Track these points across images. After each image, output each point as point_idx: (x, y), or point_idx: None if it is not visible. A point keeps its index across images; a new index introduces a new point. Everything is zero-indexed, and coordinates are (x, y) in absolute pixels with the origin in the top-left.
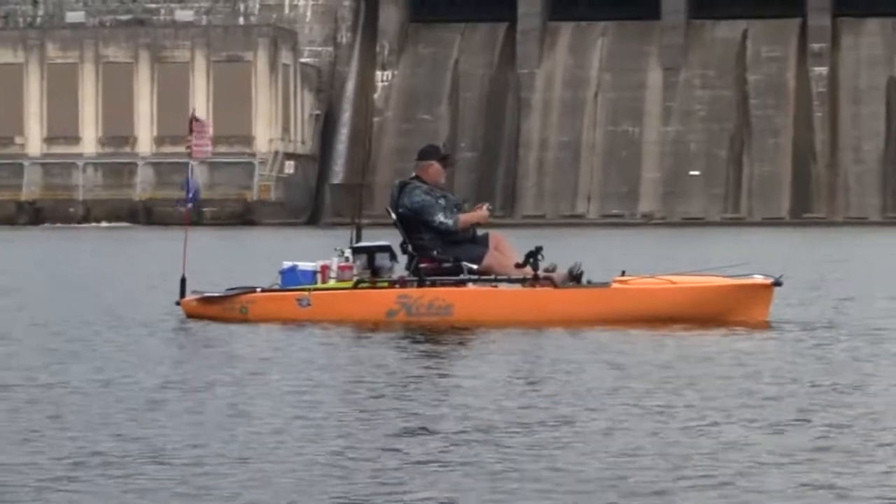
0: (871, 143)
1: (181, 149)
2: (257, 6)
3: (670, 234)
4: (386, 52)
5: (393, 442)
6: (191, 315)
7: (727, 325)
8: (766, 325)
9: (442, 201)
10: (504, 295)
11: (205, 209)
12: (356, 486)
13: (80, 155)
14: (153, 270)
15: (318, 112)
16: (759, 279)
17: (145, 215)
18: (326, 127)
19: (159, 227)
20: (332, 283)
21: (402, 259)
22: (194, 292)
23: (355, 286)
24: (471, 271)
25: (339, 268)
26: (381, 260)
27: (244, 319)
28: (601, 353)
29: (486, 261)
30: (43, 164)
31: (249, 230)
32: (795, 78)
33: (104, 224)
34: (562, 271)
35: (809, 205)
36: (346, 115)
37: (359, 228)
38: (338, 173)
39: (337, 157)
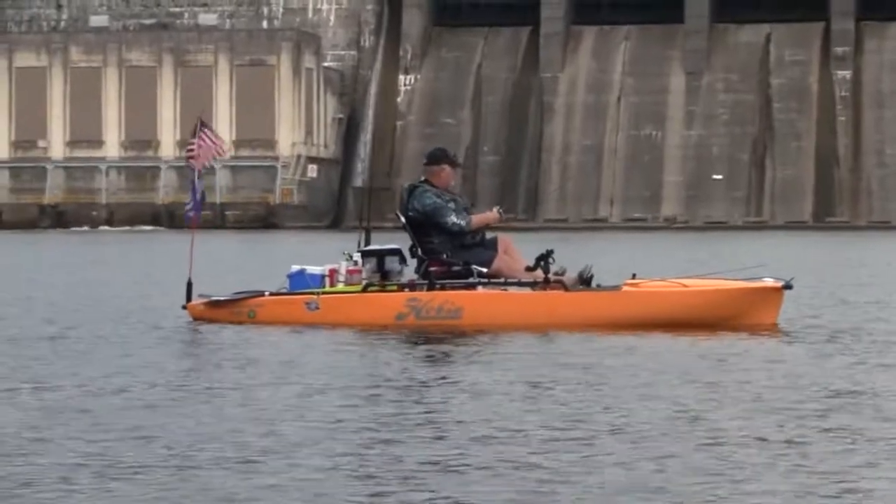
0: (894, 146)
1: None
2: (281, 10)
3: (693, 237)
4: (409, 57)
5: (404, 445)
6: (197, 319)
7: (737, 329)
8: (776, 329)
9: (452, 204)
10: (514, 298)
11: (227, 213)
12: (367, 489)
13: (102, 158)
14: (168, 274)
15: (340, 116)
16: (769, 282)
17: (168, 219)
18: (349, 131)
19: (182, 230)
20: (340, 286)
21: (412, 263)
22: (201, 296)
23: (364, 290)
24: (480, 274)
25: (348, 271)
26: (391, 263)
27: (252, 323)
28: (614, 357)
29: (496, 264)
30: (66, 168)
31: (271, 234)
32: (819, 82)
33: (127, 228)
34: (572, 275)
35: (832, 209)
36: (368, 119)
37: (367, 232)
38: (360, 177)
39: (359, 161)
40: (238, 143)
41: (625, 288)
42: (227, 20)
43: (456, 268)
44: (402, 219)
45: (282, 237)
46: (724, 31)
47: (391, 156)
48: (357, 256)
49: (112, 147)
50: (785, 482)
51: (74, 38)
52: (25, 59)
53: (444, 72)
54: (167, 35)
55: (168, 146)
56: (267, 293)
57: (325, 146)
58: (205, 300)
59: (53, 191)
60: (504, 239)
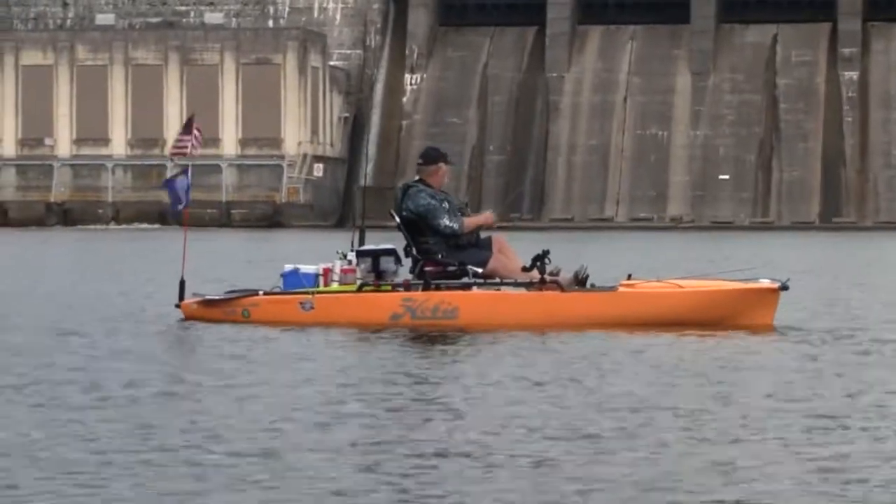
0: None
1: (211, 150)
2: (286, 9)
3: (699, 238)
4: (415, 56)
5: (407, 445)
6: (191, 318)
7: (733, 329)
8: (771, 329)
9: (446, 205)
10: (511, 298)
11: (233, 211)
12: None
13: (109, 157)
14: (168, 272)
15: (346, 115)
16: (765, 283)
17: (175, 217)
18: (355, 130)
19: (189, 229)
20: (334, 286)
21: (407, 263)
22: (195, 295)
23: (359, 289)
24: (476, 275)
25: (342, 271)
26: (386, 263)
27: (246, 323)
28: (612, 356)
29: (491, 264)
30: (72, 166)
31: (277, 232)
32: (825, 82)
33: (133, 226)
34: (567, 275)
35: (839, 209)
36: (374, 118)
37: (362, 231)
38: (366, 176)
39: (365, 160)
40: (244, 142)
41: (620, 288)
42: (233, 19)
43: (451, 268)
44: (397, 218)
45: (286, 236)
46: (730, 32)
47: (397, 155)
48: (351, 256)
49: (118, 145)
50: (788, 480)
51: (80, 37)
52: (32, 58)
53: (450, 71)
54: (173, 34)
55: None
56: (261, 292)
57: (331, 145)
58: (198, 299)
59: (60, 189)
60: (498, 238)
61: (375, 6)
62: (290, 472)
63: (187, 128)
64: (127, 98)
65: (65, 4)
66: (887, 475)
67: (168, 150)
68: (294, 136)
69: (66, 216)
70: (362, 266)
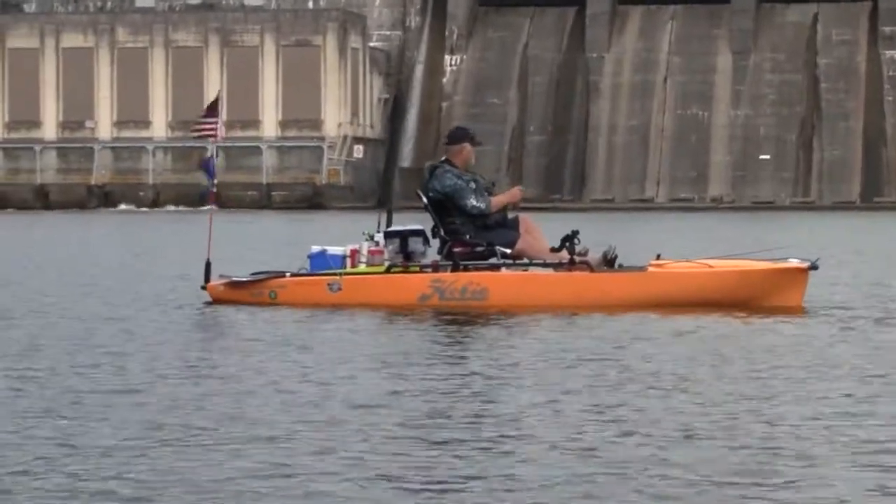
0: None
1: (251, 132)
2: None
3: (740, 218)
4: (455, 37)
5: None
6: (217, 300)
7: (762, 310)
8: (801, 310)
9: (472, 185)
10: (540, 279)
11: (273, 193)
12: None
13: (149, 139)
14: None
15: (386, 96)
16: (794, 263)
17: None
18: (395, 111)
19: (230, 210)
20: (362, 267)
21: (435, 244)
22: (221, 276)
23: (387, 270)
24: (504, 255)
25: (370, 252)
26: (415, 244)
27: (273, 304)
28: (642, 338)
29: (519, 245)
30: (113, 148)
31: (317, 214)
32: (866, 61)
33: (173, 208)
34: (595, 255)
35: (880, 188)
36: (414, 99)
37: (390, 213)
38: (406, 157)
39: (405, 141)
40: (284, 124)
41: (650, 269)
42: (273, 0)
43: (479, 248)
44: (424, 199)
45: (327, 218)
46: (770, 11)
47: (437, 136)
48: (379, 237)
49: (159, 128)
50: (824, 466)
51: (121, 19)
52: (72, 40)
53: (490, 52)
54: (213, 15)
55: None
56: (288, 274)
57: (371, 127)
58: (225, 280)
59: (101, 171)
60: (525, 218)
61: None
62: (326, 454)
63: (212, 109)
64: (167, 80)
65: None
66: None
67: (195, 132)
68: (334, 118)
69: (106, 198)
70: (390, 247)
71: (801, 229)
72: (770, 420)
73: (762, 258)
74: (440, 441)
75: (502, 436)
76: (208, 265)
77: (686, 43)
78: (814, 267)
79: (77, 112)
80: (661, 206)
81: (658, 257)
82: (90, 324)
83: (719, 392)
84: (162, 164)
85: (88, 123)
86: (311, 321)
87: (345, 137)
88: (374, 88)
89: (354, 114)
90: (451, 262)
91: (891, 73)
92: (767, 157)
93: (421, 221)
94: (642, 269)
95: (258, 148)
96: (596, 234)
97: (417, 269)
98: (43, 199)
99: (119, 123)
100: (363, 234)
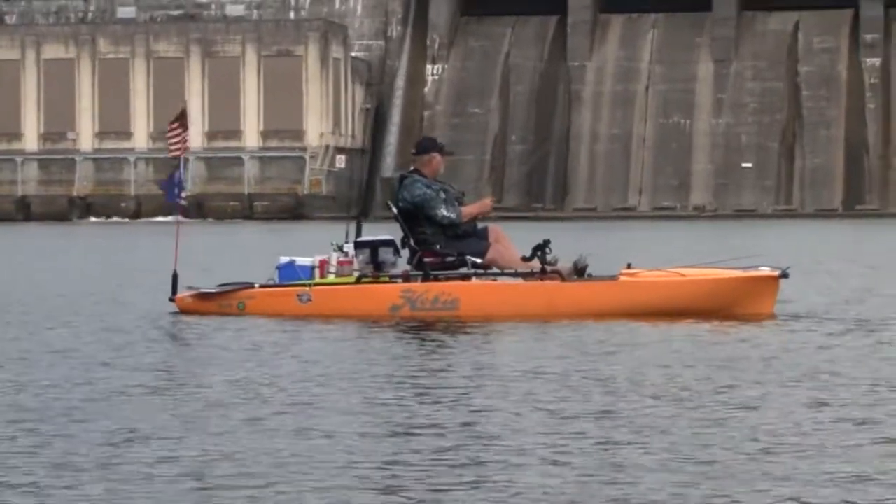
0: None
1: (233, 143)
2: (307, 0)
3: (722, 226)
4: (436, 46)
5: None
6: (185, 311)
7: (733, 317)
8: (772, 317)
9: (442, 194)
10: (512, 288)
11: (256, 203)
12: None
13: (131, 150)
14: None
15: (368, 106)
16: (765, 271)
17: (196, 210)
18: (377, 121)
19: (211, 221)
20: (331, 278)
21: (405, 254)
22: (189, 288)
23: (357, 281)
24: (475, 265)
25: (339, 262)
26: (385, 254)
27: (241, 315)
28: (614, 346)
29: (490, 254)
30: (94, 160)
31: (299, 224)
32: (847, 69)
33: (156, 219)
34: (566, 264)
35: (862, 196)
36: (396, 109)
37: (359, 223)
38: (388, 167)
39: (387, 151)
40: (266, 134)
41: (621, 278)
42: (255, 11)
43: (450, 258)
44: (394, 209)
45: (309, 228)
46: (752, 19)
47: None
48: (348, 247)
49: (140, 139)
50: (796, 471)
51: (102, 30)
52: (53, 51)
53: (472, 61)
54: (195, 26)
55: (196, 137)
56: (256, 285)
57: (353, 136)
58: (193, 292)
59: (82, 182)
60: (495, 228)
61: None
62: (295, 460)
63: (181, 121)
64: (149, 91)
65: None
66: None
67: (168, 148)
68: (316, 128)
69: (88, 210)
70: (360, 257)
71: (778, 237)
72: (745, 425)
73: (733, 266)
74: (410, 450)
75: (467, 445)
76: (175, 277)
77: (667, 51)
78: (784, 275)
79: (58, 123)
80: (644, 214)
81: (629, 266)
82: (55, 334)
83: (693, 398)
84: (144, 175)
85: (70, 135)
86: (280, 331)
87: (327, 147)
88: (356, 98)
89: (336, 124)
90: (421, 273)
91: (872, 81)
92: (749, 165)
93: (397, 231)
94: (613, 277)
95: (240, 158)
96: (575, 242)
97: (387, 279)
98: (24, 211)
99: (101, 134)
100: (331, 244)
